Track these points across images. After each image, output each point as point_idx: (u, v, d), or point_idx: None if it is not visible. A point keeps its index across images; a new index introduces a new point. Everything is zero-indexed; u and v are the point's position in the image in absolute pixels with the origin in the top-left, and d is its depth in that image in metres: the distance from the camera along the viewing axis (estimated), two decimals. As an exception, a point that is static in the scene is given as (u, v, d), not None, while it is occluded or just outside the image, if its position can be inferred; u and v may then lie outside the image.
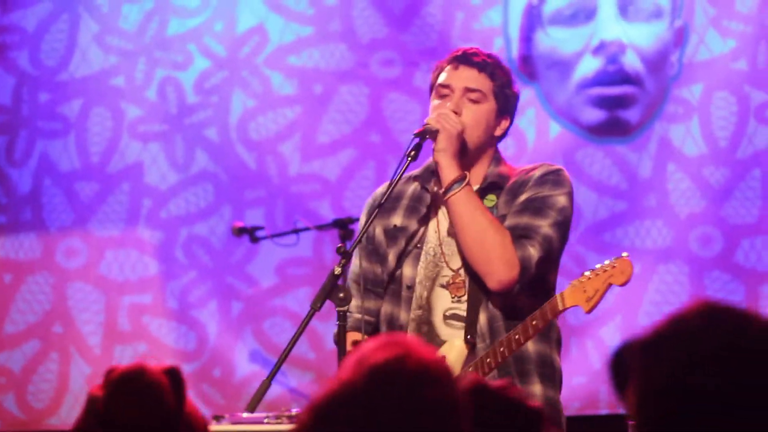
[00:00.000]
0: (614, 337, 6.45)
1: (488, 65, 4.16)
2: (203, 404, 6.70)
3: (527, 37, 6.71)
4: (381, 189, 4.29)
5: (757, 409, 1.82)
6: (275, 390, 6.69)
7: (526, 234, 4.01)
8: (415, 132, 4.05)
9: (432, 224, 4.17)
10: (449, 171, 4.02)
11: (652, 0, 6.64)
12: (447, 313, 4.10)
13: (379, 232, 4.21)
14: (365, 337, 4.10)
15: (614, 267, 3.94)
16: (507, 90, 4.17)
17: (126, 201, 6.88)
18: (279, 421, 3.54)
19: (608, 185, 6.64)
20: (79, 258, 6.90)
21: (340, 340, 3.86)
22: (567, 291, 3.92)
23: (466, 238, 4.00)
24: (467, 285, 4.08)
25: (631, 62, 6.61)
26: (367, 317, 4.21)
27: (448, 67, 4.17)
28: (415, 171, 4.30)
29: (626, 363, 1.92)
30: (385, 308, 4.17)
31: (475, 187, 4.12)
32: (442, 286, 4.12)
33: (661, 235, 6.58)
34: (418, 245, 4.16)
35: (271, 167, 6.83)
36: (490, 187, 4.15)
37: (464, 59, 4.17)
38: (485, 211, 4.01)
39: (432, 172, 4.18)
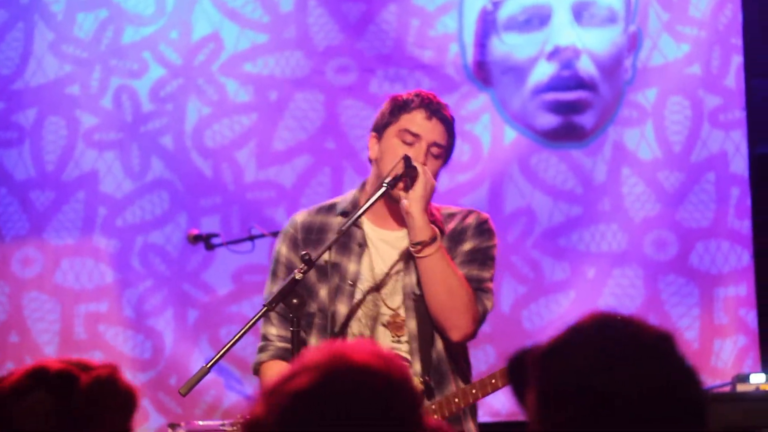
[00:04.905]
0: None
1: (451, 124, 4.16)
2: (159, 413, 6.68)
3: (482, 43, 6.73)
4: (301, 217, 4.26)
5: (644, 409, 1.98)
6: (231, 397, 6.70)
7: (480, 287, 4.12)
8: (403, 158, 3.99)
9: (365, 262, 4.15)
10: (423, 228, 4.01)
11: (606, 5, 6.68)
12: None
13: None
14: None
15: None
16: (453, 148, 4.20)
17: (81, 209, 6.84)
18: (234, 428, 3.53)
19: (563, 190, 6.66)
20: (35, 267, 6.86)
21: (293, 343, 3.84)
22: None
23: (438, 296, 4.04)
24: (408, 325, 4.11)
25: (586, 67, 6.64)
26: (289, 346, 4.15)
27: (420, 116, 4.11)
28: (337, 201, 4.28)
29: (525, 369, 2.08)
30: (313, 341, 4.13)
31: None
32: (383, 324, 4.14)
33: (616, 239, 6.61)
34: (351, 283, 4.13)
35: (226, 174, 6.81)
36: None
37: (437, 112, 4.11)
38: (456, 270, 4.06)
39: (356, 206, 4.15)
